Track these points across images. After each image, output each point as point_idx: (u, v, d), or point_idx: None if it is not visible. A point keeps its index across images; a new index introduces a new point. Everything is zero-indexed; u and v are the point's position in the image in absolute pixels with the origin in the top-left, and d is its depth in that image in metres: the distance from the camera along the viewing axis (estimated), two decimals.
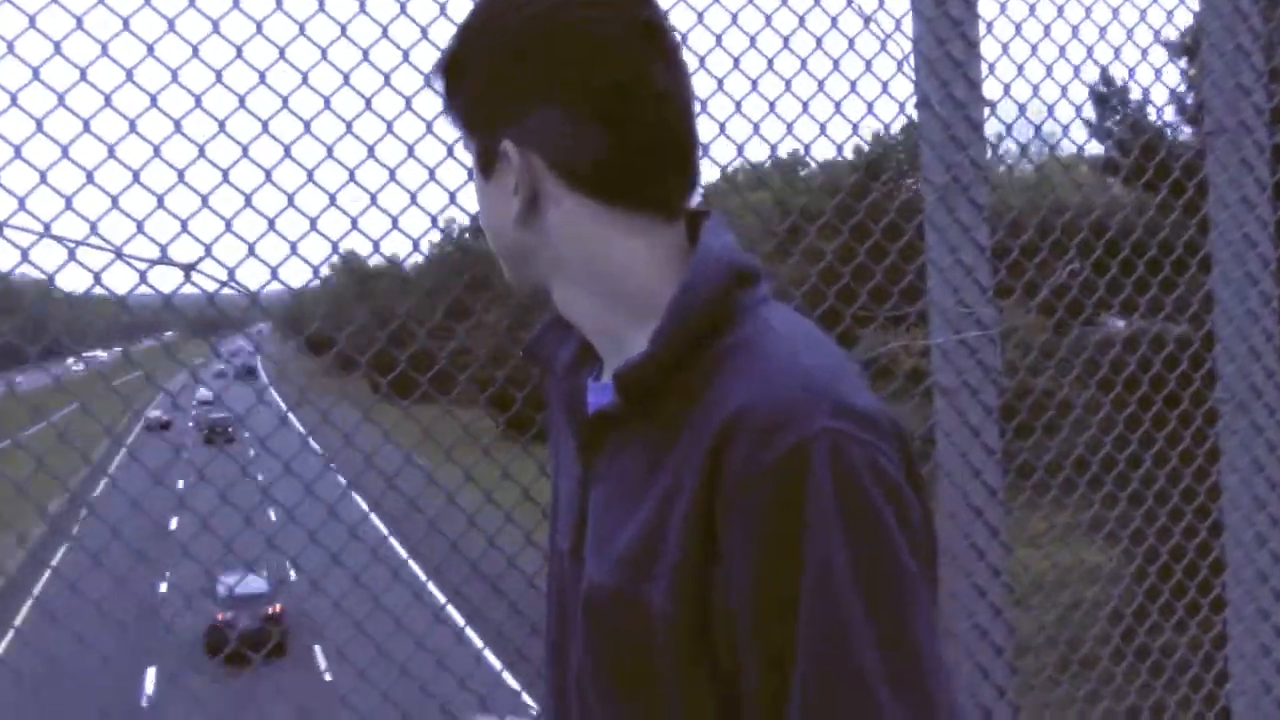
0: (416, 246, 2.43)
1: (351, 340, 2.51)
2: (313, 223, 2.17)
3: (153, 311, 2.35)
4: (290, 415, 2.62)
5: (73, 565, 2.35)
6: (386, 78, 2.17)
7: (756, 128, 2.50)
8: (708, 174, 2.54)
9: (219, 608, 17.59)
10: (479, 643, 2.51)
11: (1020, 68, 2.75)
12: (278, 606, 18.65)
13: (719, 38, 2.45)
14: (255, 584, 17.84)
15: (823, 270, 2.41)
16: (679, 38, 1.24)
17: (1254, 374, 2.95)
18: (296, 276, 2.40)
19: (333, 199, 2.18)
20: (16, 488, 2.09)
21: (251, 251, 2.14)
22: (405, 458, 2.57)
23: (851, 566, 1.00)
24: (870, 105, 2.59)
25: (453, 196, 2.26)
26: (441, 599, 2.62)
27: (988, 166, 2.63)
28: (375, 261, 2.22)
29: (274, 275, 2.24)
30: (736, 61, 2.48)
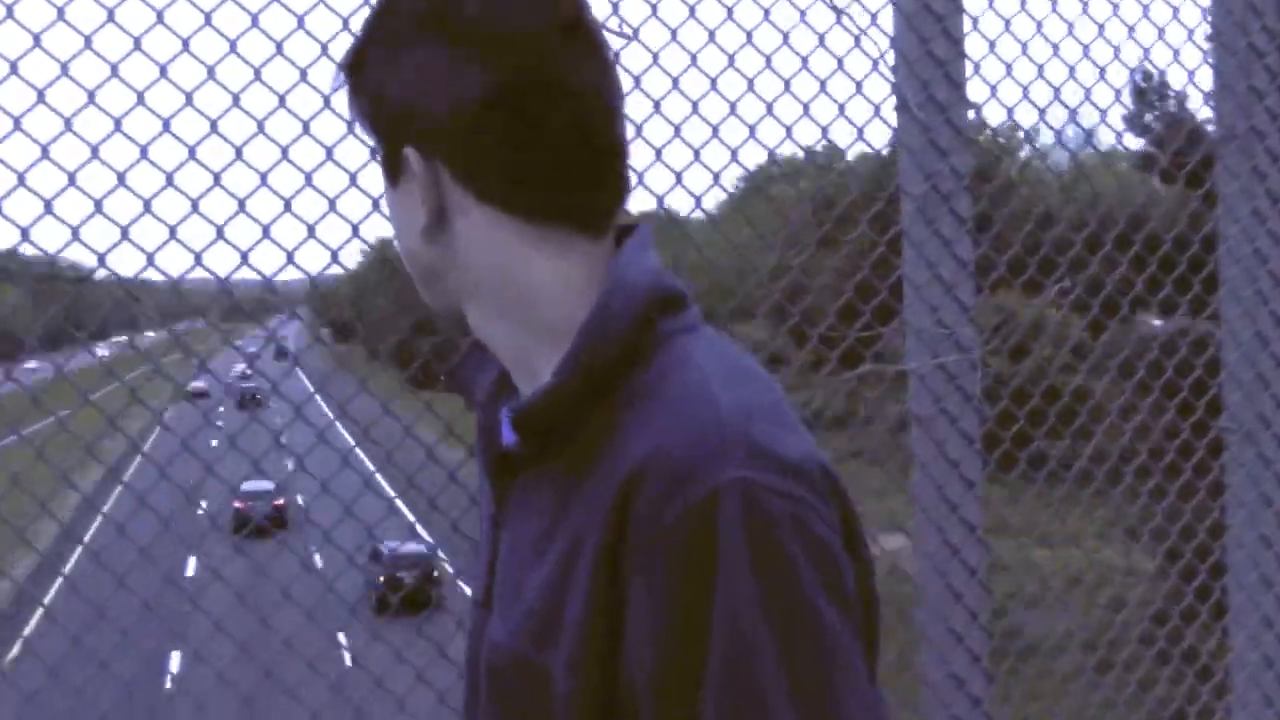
0: None
1: (377, 329, 2.40)
2: (332, 203, 2.08)
3: (207, 296, 2.34)
4: (317, 398, 2.55)
5: (102, 540, 2.37)
6: None
7: (715, 130, 2.29)
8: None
9: (240, 500, 23.35)
10: None
11: (1009, 67, 2.52)
12: (282, 500, 24.48)
13: (674, 32, 2.23)
14: (266, 484, 24.17)
15: (788, 287, 2.19)
16: (608, 37, 1.08)
17: (1262, 403, 2.72)
18: (324, 263, 2.37)
19: (353, 179, 2.08)
20: (56, 471, 2.15)
21: (266, 233, 2.06)
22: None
23: (765, 629, 0.90)
24: (842, 107, 2.38)
25: None
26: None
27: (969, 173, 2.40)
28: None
29: (290, 259, 2.18)
30: (694, 58, 2.27)
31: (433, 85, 1.03)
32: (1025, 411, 2.77)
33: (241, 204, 2.04)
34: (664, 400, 0.97)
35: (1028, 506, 2.81)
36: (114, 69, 1.91)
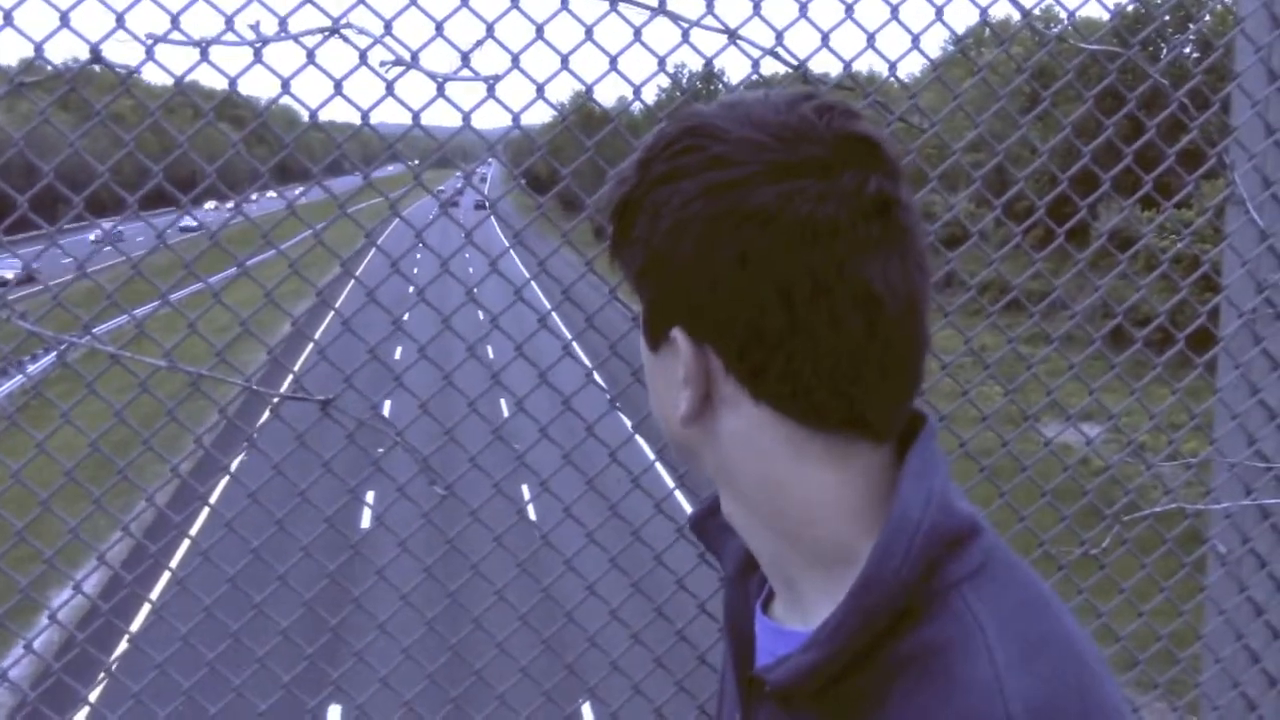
0: (638, 95, 2.22)
1: (577, 179, 2.28)
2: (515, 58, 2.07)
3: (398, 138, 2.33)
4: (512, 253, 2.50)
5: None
6: None
7: None
8: None
9: None
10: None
11: None
12: None
13: None
14: None
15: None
16: (914, 211, 0.94)
17: None
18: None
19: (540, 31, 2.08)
20: (268, 298, 2.24)
21: (465, 60, 2.03)
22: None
23: None
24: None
25: (685, 35, 2.09)
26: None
27: None
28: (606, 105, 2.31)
29: (490, 92, 2.09)
30: None
31: (711, 269, 0.91)
32: None
33: (439, 26, 2.01)
34: (943, 685, 0.86)
35: None
36: None
